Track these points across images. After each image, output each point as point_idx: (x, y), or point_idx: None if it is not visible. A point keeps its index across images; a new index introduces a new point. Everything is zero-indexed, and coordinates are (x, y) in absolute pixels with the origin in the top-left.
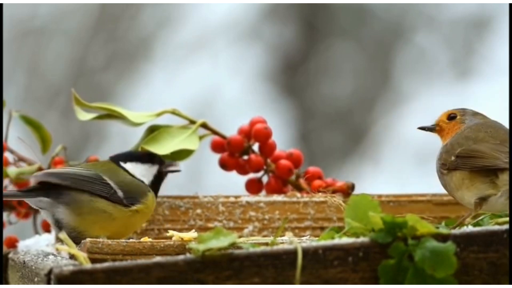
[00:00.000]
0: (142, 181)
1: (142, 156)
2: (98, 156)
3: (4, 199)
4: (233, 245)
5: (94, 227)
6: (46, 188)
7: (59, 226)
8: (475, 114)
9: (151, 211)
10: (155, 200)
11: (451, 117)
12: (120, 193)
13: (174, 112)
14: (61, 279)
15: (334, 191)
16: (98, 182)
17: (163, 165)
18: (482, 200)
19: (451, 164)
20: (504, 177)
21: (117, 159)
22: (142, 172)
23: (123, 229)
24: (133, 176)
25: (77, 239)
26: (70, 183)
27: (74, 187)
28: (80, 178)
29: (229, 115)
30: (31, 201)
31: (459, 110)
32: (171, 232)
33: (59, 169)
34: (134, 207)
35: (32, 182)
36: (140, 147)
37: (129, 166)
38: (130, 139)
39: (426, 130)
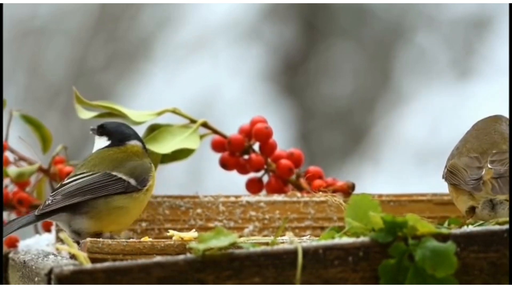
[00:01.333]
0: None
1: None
2: None
3: (24, 226)
4: (233, 245)
5: (112, 225)
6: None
7: (78, 234)
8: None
9: (154, 183)
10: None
11: None
12: (132, 182)
13: (174, 111)
14: (61, 279)
15: (334, 191)
16: (110, 181)
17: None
18: (471, 210)
19: (445, 175)
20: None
21: (117, 140)
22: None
23: (138, 212)
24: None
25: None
26: (90, 195)
27: (93, 197)
28: (95, 187)
29: (229, 114)
30: (52, 219)
31: None
32: (171, 232)
33: (71, 185)
34: (145, 187)
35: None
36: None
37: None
38: None
39: None
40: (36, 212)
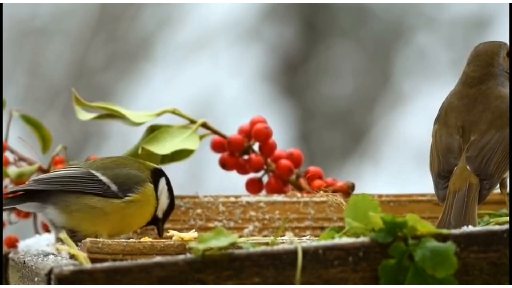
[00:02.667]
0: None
1: (172, 201)
2: (99, 156)
3: None
4: (233, 245)
5: (85, 224)
6: (35, 192)
7: (54, 225)
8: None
9: (151, 202)
10: (155, 205)
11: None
12: (113, 187)
13: (174, 112)
14: (61, 279)
15: (334, 191)
16: (88, 180)
17: (161, 222)
18: None
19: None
20: (449, 198)
21: (163, 174)
22: (163, 205)
23: (121, 223)
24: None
25: (73, 238)
26: (58, 186)
27: (62, 190)
28: (68, 180)
29: (229, 115)
30: (20, 207)
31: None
32: (171, 232)
33: (49, 173)
34: (127, 198)
35: (23, 188)
36: (140, 147)
37: (165, 189)
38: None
39: None
40: (7, 192)
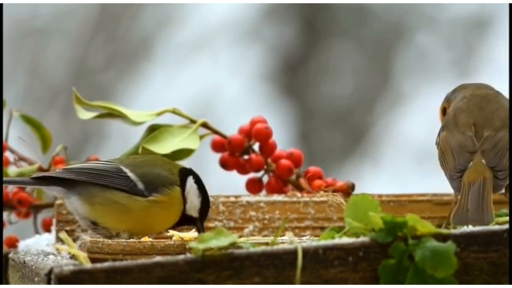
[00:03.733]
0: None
1: (206, 199)
2: (99, 156)
3: (15, 185)
4: (233, 245)
5: (107, 218)
6: (62, 179)
7: (78, 214)
8: (457, 90)
9: (176, 205)
10: (181, 208)
11: (443, 111)
12: (140, 185)
13: (174, 112)
14: (61, 279)
15: (334, 191)
16: (116, 175)
17: (199, 221)
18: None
19: (437, 145)
20: (465, 188)
21: (190, 173)
22: (193, 203)
23: (143, 222)
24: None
25: (95, 230)
26: (85, 177)
27: (88, 181)
28: (96, 173)
29: (229, 115)
30: (45, 189)
31: (444, 102)
32: (171, 232)
33: (80, 163)
34: (152, 197)
35: (50, 175)
36: (141, 146)
37: (193, 188)
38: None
39: None
40: (34, 175)
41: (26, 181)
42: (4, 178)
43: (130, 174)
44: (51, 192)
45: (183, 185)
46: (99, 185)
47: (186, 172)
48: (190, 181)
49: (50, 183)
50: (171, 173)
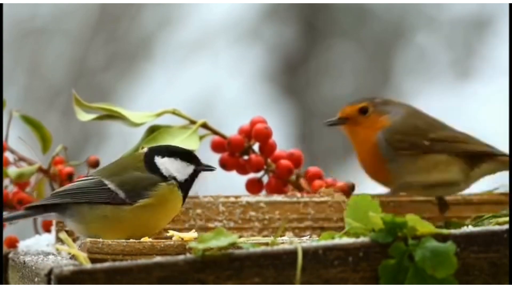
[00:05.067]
0: (167, 176)
1: (182, 154)
2: (99, 156)
3: (13, 220)
4: (233, 245)
5: (103, 233)
6: (54, 204)
7: (79, 233)
8: (387, 102)
9: (171, 196)
10: (180, 194)
11: (363, 111)
12: (121, 194)
13: (174, 112)
14: (61, 279)
15: (334, 191)
16: (97, 189)
17: (199, 165)
18: (449, 184)
19: (425, 148)
20: (478, 171)
21: (153, 153)
22: (178, 168)
23: (140, 228)
24: (159, 171)
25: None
26: (69, 199)
27: (74, 202)
28: (79, 191)
29: (229, 115)
30: (43, 217)
31: (367, 101)
32: (171, 232)
33: (65, 186)
34: (137, 203)
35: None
36: (140, 147)
37: (165, 160)
38: (130, 139)
39: (337, 125)
40: (26, 206)
41: (26, 214)
42: (5, 216)
43: (110, 185)
44: (51, 218)
45: (156, 171)
46: (86, 203)
47: (150, 157)
48: (159, 161)
49: (45, 210)
50: (138, 169)
